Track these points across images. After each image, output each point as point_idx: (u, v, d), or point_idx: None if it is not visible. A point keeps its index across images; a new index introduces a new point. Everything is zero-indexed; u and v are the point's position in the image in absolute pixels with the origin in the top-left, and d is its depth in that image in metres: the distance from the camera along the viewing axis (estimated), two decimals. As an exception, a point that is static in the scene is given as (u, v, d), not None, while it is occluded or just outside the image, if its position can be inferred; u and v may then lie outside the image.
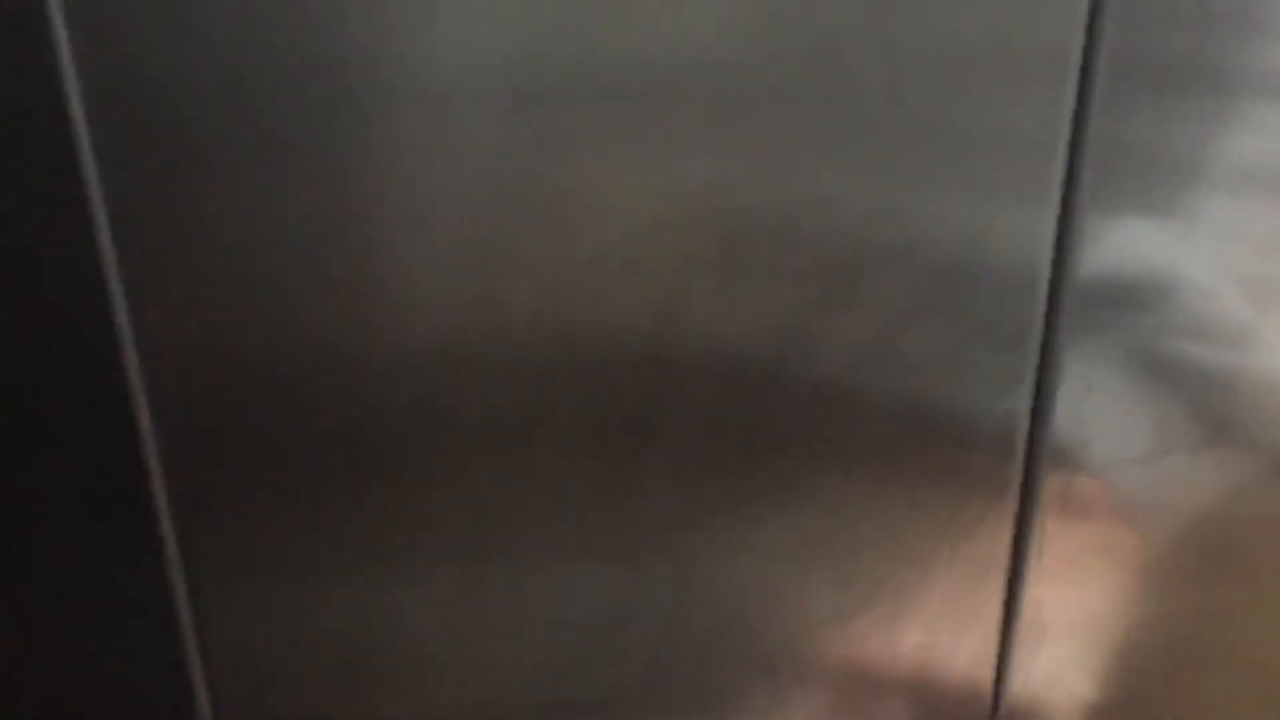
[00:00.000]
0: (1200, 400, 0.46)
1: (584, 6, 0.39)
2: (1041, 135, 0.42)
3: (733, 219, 0.43)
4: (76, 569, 0.46)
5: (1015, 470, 0.48)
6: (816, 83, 0.41)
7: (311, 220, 0.41)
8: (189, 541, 0.46)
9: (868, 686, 0.52)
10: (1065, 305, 0.44)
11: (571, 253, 0.42)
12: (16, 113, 0.39)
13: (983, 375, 0.46)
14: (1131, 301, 0.45)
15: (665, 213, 0.42)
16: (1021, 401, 0.46)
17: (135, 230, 0.41)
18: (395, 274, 0.42)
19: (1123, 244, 0.44)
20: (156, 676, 0.48)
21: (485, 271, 0.42)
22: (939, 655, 0.51)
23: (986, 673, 0.52)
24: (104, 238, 0.40)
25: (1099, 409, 0.46)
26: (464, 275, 0.42)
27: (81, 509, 0.45)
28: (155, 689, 0.48)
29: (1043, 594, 0.50)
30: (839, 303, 0.44)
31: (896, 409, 0.47)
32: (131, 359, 0.42)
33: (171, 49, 0.38)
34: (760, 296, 0.44)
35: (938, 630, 0.51)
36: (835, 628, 0.50)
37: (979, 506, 0.49)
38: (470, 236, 0.42)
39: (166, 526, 0.45)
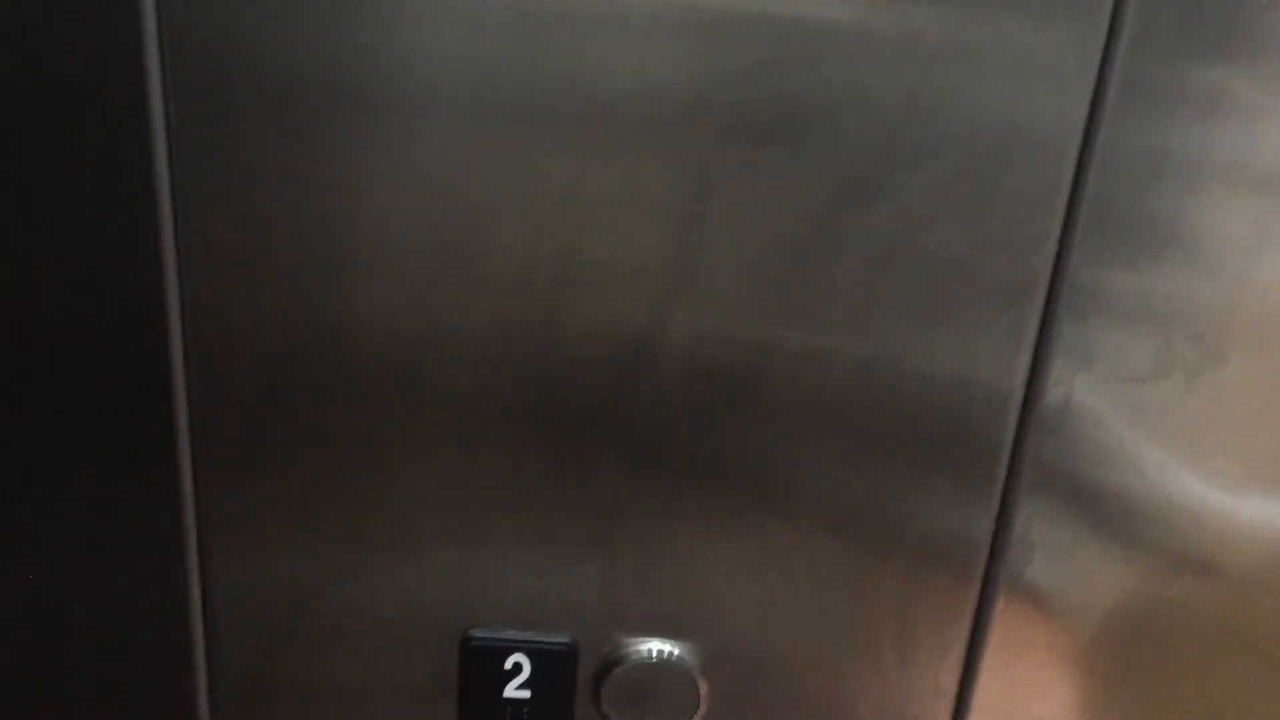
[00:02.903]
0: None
1: (570, 29, 0.41)
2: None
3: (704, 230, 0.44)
4: (92, 521, 0.48)
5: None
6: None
7: (320, 213, 0.44)
8: (205, 505, 0.48)
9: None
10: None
11: (543, 254, 0.45)
12: (94, 85, 0.41)
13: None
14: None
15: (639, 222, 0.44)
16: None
17: (191, 207, 0.44)
18: (385, 268, 0.45)
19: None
20: (156, 632, 0.50)
21: (461, 270, 0.45)
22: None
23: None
24: (164, 211, 0.43)
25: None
26: (441, 274, 0.45)
27: (107, 463, 0.47)
28: (154, 644, 0.50)
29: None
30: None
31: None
32: (174, 325, 0.45)
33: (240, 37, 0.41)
34: (735, 306, 0.46)
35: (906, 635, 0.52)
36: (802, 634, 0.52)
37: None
38: (442, 238, 0.44)
39: (186, 488, 0.48)
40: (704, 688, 0.52)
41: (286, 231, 0.44)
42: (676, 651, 0.52)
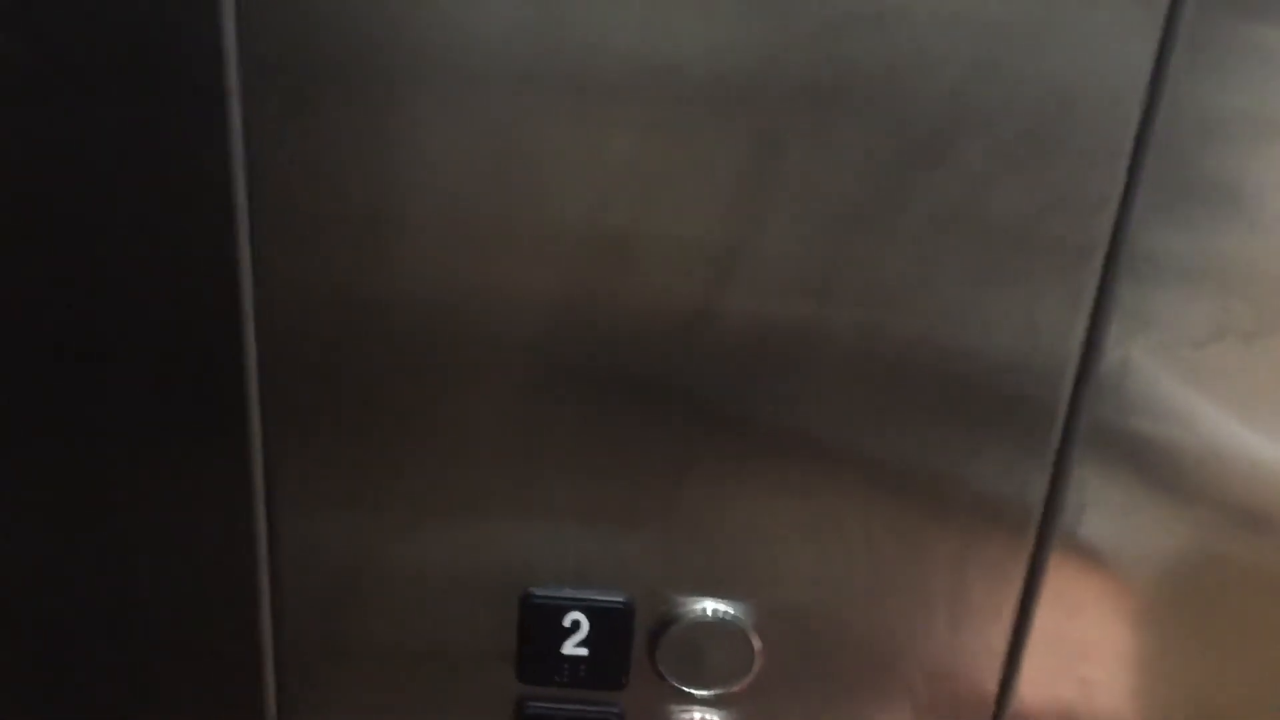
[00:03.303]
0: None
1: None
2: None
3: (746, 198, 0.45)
4: (164, 482, 0.50)
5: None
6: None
7: (385, 182, 0.45)
8: (273, 468, 0.50)
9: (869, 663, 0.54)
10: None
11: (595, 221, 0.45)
12: (169, 52, 0.42)
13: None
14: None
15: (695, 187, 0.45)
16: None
17: (265, 164, 0.44)
18: (449, 237, 0.46)
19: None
20: (224, 594, 0.51)
21: (524, 237, 0.46)
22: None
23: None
24: (237, 168, 0.44)
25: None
26: (505, 241, 0.46)
27: (179, 426, 0.48)
28: (221, 606, 0.51)
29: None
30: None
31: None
32: (246, 283, 0.46)
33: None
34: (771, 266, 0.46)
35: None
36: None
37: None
38: (506, 205, 0.45)
39: (255, 450, 0.49)
40: (758, 646, 0.53)
41: (353, 200, 0.45)
42: (731, 611, 0.53)
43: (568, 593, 0.52)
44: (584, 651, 0.53)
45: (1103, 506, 0.50)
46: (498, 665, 0.54)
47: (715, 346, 0.47)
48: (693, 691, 0.54)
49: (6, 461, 0.48)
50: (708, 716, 0.55)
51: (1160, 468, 0.49)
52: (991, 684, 0.54)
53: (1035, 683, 0.54)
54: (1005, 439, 0.49)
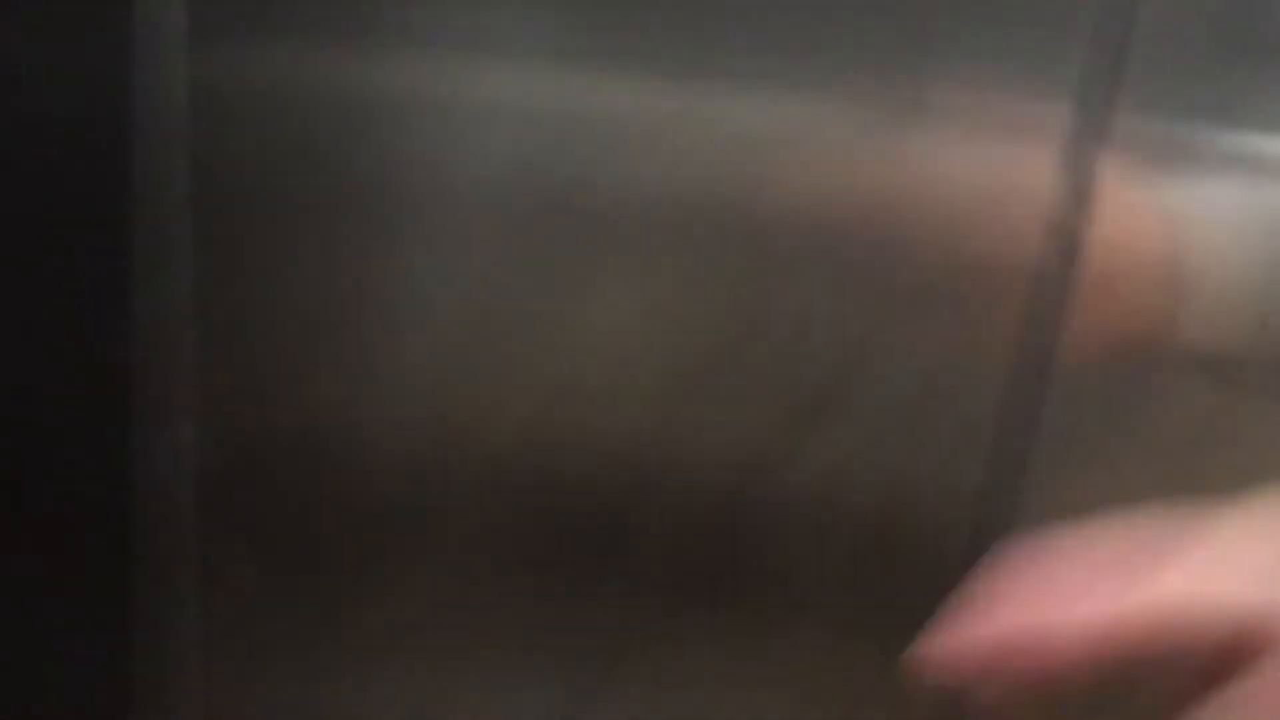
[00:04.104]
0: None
1: (594, 138, 0.43)
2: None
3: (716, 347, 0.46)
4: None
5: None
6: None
7: (330, 329, 0.44)
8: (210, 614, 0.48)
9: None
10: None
11: (558, 372, 0.46)
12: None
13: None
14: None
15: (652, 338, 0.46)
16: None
17: (214, 311, 0.43)
18: (398, 375, 0.45)
19: None
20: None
21: (474, 386, 0.46)
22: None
23: None
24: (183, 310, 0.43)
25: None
26: (454, 388, 0.46)
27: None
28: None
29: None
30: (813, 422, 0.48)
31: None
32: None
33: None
34: (741, 418, 0.47)
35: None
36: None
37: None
38: (460, 352, 0.45)
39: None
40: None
41: (305, 345, 0.44)
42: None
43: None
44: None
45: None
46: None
47: (667, 503, 0.48)
48: None
49: None
50: None
51: None
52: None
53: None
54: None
